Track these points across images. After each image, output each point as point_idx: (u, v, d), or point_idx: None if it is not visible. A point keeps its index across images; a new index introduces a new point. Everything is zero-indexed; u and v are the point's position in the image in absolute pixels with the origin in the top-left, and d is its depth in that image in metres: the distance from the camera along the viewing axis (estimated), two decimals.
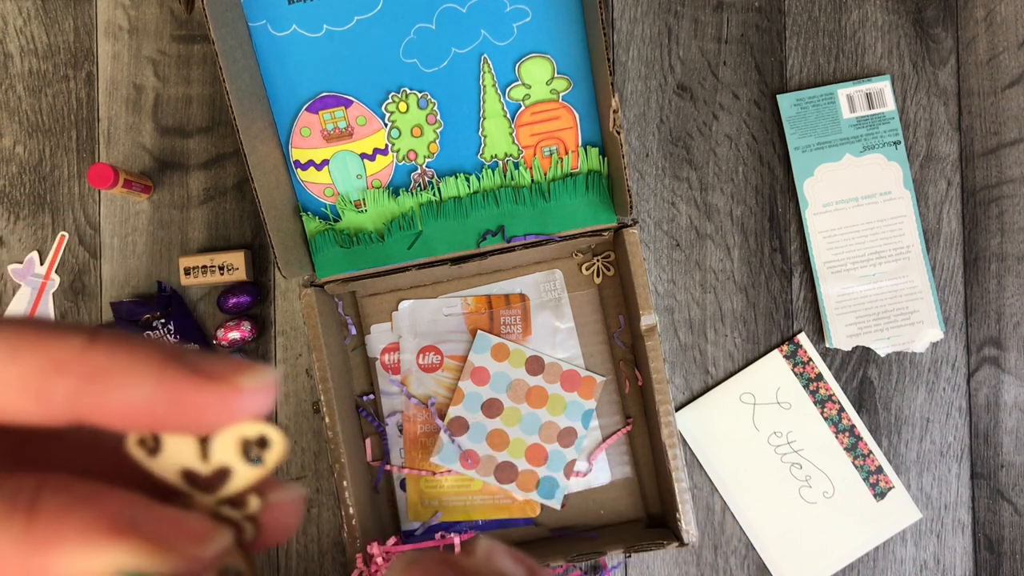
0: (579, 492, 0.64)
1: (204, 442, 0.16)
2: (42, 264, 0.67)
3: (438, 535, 0.62)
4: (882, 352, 0.65)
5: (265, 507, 0.16)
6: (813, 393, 0.65)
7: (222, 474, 0.16)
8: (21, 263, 0.67)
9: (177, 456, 0.16)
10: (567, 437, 0.64)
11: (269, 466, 0.16)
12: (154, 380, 0.15)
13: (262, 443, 0.16)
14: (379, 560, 0.57)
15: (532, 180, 0.63)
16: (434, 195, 0.63)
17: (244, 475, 0.16)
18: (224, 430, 0.16)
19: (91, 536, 0.14)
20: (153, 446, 0.16)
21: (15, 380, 0.14)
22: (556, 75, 0.62)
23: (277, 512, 0.16)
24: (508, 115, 0.63)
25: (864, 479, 0.65)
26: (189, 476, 0.16)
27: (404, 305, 0.65)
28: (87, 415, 0.15)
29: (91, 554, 0.14)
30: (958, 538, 0.65)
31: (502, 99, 0.62)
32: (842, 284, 0.65)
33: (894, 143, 0.65)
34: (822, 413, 0.65)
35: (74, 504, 0.14)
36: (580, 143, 0.63)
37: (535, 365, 0.64)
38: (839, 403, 0.65)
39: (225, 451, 0.16)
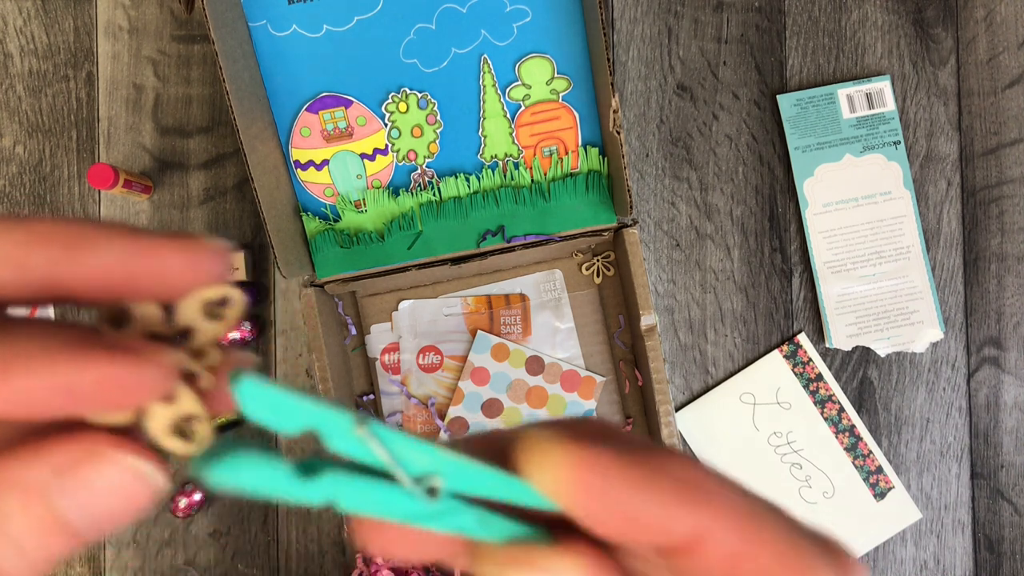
0: None
1: (168, 311, 0.17)
2: None
3: None
4: (882, 352, 0.65)
5: (224, 361, 0.17)
6: (813, 393, 0.65)
7: (185, 332, 0.17)
8: None
9: (143, 324, 0.17)
10: None
11: (230, 320, 0.17)
12: (125, 244, 0.16)
13: (222, 303, 0.17)
14: (379, 560, 0.57)
15: (532, 180, 0.63)
16: (434, 195, 0.63)
17: (206, 331, 0.17)
18: (187, 296, 0.17)
19: (56, 352, 0.15)
20: (121, 318, 0.17)
21: None
22: (556, 75, 0.62)
23: (233, 365, 0.17)
24: (508, 115, 0.63)
25: (864, 479, 0.65)
26: (154, 338, 0.17)
27: (404, 305, 0.65)
28: (62, 281, 0.16)
29: (55, 368, 0.15)
30: (958, 538, 0.65)
31: (502, 99, 0.62)
32: (842, 284, 0.65)
33: (894, 143, 0.65)
34: (822, 413, 0.65)
35: (37, 328, 0.15)
36: (580, 143, 0.63)
37: (535, 365, 0.64)
38: (839, 403, 0.65)
39: (188, 313, 0.17)
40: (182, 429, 0.16)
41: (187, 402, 0.17)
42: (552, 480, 0.16)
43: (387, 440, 0.16)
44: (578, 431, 0.17)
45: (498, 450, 0.18)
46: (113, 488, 0.16)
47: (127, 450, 0.16)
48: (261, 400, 0.15)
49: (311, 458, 0.17)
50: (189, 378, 0.17)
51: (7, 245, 0.15)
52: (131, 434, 0.16)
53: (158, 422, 0.16)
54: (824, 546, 0.16)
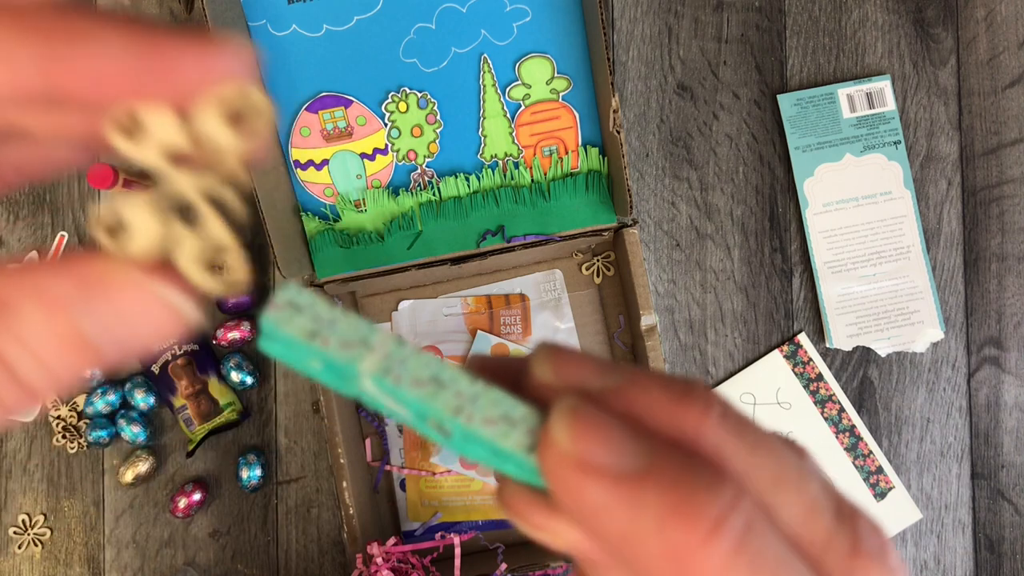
0: None
1: (186, 119, 0.15)
2: None
3: (438, 535, 0.62)
4: (882, 352, 0.65)
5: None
6: (813, 393, 0.65)
7: (207, 148, 0.15)
8: (20, 263, 0.67)
9: (159, 134, 0.15)
10: None
11: (256, 129, 0.15)
12: (125, 38, 0.14)
13: (247, 109, 0.15)
14: (379, 560, 0.56)
15: (532, 180, 0.63)
16: (434, 195, 0.63)
17: (230, 145, 0.15)
18: (205, 100, 0.15)
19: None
20: (133, 128, 0.15)
21: None
22: (556, 75, 0.62)
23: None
24: (508, 115, 0.62)
25: (864, 479, 0.64)
26: (174, 158, 0.15)
27: (404, 305, 0.65)
28: (58, 81, 0.14)
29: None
30: (958, 538, 0.65)
31: (502, 99, 0.62)
32: (842, 284, 0.65)
33: (894, 143, 0.65)
34: (822, 413, 0.65)
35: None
36: (580, 143, 0.63)
37: None
38: (839, 403, 0.65)
39: (207, 122, 0.15)
40: (213, 263, 0.15)
41: (215, 230, 0.15)
42: (541, 369, 0.16)
43: (395, 394, 0.16)
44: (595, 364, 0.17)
45: (511, 377, 0.17)
46: (137, 310, 0.15)
47: (155, 276, 0.15)
48: (280, 336, 0.15)
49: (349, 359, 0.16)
50: (215, 204, 0.15)
51: None
52: (163, 267, 0.16)
53: (187, 254, 0.15)
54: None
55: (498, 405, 0.16)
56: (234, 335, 0.64)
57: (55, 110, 0.15)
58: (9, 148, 0.16)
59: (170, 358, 0.63)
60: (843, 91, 0.65)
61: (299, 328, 0.15)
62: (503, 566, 0.58)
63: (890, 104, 0.65)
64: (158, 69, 0.14)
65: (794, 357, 0.65)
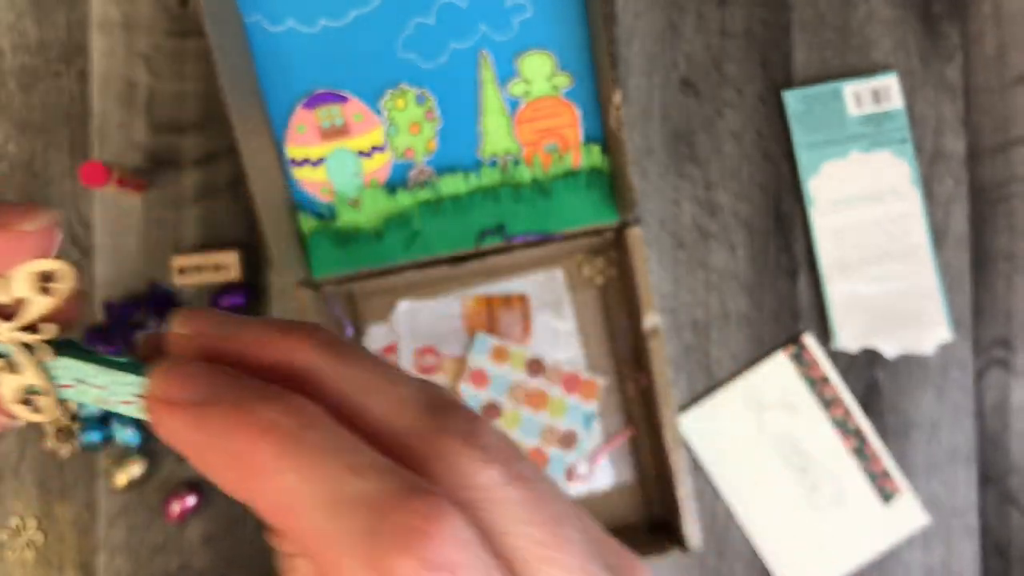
0: (580, 497, 0.63)
1: (2, 281, 0.19)
2: None
3: None
4: (889, 353, 0.64)
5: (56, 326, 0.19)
6: (819, 395, 0.64)
7: (19, 305, 0.19)
8: None
9: None
10: (568, 440, 0.62)
11: (60, 294, 0.19)
12: None
13: (52, 277, 0.19)
14: None
15: (532, 177, 0.62)
16: (432, 193, 0.62)
17: (39, 305, 0.19)
18: (18, 269, 0.18)
19: None
20: None
21: None
22: (557, 71, 0.61)
23: (64, 315, 0.19)
24: (508, 111, 0.61)
25: (871, 483, 0.63)
26: None
27: (402, 306, 0.64)
28: None
29: None
30: (967, 543, 0.64)
31: (502, 95, 0.61)
32: (849, 284, 0.64)
33: (901, 140, 0.64)
34: (828, 416, 0.64)
35: None
36: (582, 140, 0.62)
37: (535, 367, 0.63)
38: (845, 405, 0.64)
39: (21, 286, 0.19)
40: (28, 400, 0.19)
41: (30, 374, 0.19)
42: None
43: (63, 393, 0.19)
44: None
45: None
46: None
47: None
48: None
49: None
50: (29, 350, 0.19)
51: None
52: None
53: (5, 390, 0.19)
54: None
55: (132, 385, 0.19)
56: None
57: None
58: None
59: None
60: (849, 87, 0.64)
61: None
62: None
63: (896, 101, 0.64)
64: None
65: (799, 358, 0.64)
